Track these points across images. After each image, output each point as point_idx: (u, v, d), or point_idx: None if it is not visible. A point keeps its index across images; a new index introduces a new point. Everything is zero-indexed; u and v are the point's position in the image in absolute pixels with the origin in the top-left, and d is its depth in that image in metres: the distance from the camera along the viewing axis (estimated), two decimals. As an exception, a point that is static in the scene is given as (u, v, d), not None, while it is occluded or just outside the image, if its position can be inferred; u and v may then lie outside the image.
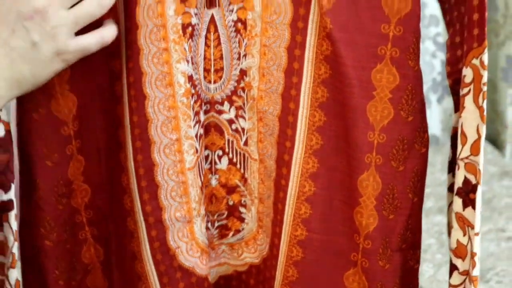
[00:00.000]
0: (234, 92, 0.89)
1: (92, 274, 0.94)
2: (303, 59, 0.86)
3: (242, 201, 0.94)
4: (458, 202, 0.87)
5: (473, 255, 0.85)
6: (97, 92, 0.87)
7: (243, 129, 0.90)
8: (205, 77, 0.88)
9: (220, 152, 0.92)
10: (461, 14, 0.85)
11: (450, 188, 0.92)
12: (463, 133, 0.85)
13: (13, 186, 0.85)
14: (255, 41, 0.87)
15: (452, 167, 0.91)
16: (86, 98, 0.87)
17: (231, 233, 0.95)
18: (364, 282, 0.90)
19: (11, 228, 0.85)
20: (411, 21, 0.84)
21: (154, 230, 0.91)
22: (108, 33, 0.83)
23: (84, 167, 0.89)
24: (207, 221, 0.94)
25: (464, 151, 0.86)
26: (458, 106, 0.88)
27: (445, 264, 1.55)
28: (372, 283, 0.90)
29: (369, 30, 0.84)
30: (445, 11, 0.90)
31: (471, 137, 0.85)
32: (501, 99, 2.08)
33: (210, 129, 0.91)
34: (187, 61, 0.86)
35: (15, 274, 0.86)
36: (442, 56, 2.26)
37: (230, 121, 0.90)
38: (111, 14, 0.84)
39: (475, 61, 0.83)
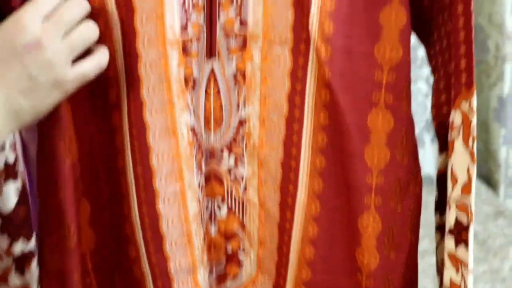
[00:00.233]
0: (233, 140, 0.91)
1: None
2: (303, 107, 0.89)
3: (241, 247, 0.95)
4: (450, 241, 0.89)
5: (467, 293, 0.87)
6: (97, 142, 0.89)
7: (242, 177, 0.92)
8: (205, 127, 0.90)
9: (220, 201, 0.93)
10: (445, 60, 0.89)
11: (438, 228, 0.95)
12: (453, 175, 0.88)
13: (33, 236, 0.86)
14: (254, 91, 0.89)
15: (439, 206, 0.94)
16: (86, 147, 0.89)
17: (229, 278, 0.96)
18: None
19: (33, 275, 0.87)
20: (403, 68, 0.89)
21: (160, 281, 0.92)
22: (103, 56, 0.82)
23: (90, 212, 0.91)
24: (208, 269, 0.95)
25: (455, 192, 0.88)
26: (443, 148, 0.92)
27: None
28: None
29: (363, 77, 0.88)
30: (430, 57, 0.94)
31: (462, 178, 0.88)
32: (493, 139, 2.11)
33: (210, 178, 0.92)
34: (189, 112, 0.88)
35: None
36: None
37: (229, 170, 0.92)
38: (111, 69, 0.85)
39: (464, 106, 0.87)
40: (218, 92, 0.89)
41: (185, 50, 0.86)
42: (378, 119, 0.89)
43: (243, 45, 0.87)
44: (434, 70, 0.93)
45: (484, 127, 2.13)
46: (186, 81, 0.87)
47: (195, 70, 0.88)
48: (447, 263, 0.89)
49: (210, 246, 0.95)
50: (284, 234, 0.92)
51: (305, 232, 0.92)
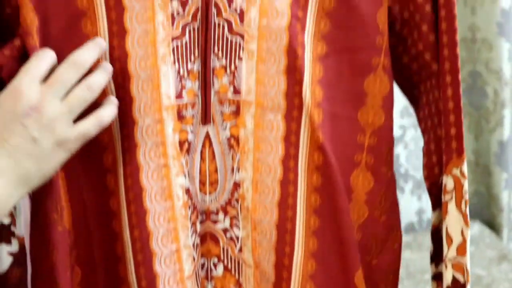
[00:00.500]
0: (228, 203, 0.93)
1: None
2: (297, 170, 0.91)
3: None
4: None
5: None
6: (91, 207, 0.90)
7: (237, 237, 0.94)
8: (200, 189, 0.92)
9: (216, 260, 0.95)
10: (434, 124, 0.92)
11: (434, 277, 0.97)
12: (448, 236, 0.90)
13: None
14: (247, 156, 0.91)
15: (434, 258, 0.96)
16: (80, 212, 0.90)
17: None
18: None
19: None
20: (385, 133, 0.92)
21: None
22: (105, 113, 0.84)
23: (81, 277, 0.92)
24: None
25: (450, 252, 0.90)
26: (436, 206, 0.94)
27: None
28: None
29: (347, 139, 0.91)
30: (420, 120, 0.97)
31: (456, 239, 0.90)
32: (495, 183, 2.11)
33: (206, 238, 0.94)
34: (184, 175, 0.90)
35: None
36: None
37: (225, 230, 0.94)
38: (107, 134, 0.87)
39: (455, 171, 0.89)
40: (213, 156, 0.91)
41: (180, 116, 0.88)
42: (359, 179, 0.93)
43: (237, 112, 0.90)
44: (424, 132, 0.96)
45: (486, 171, 2.14)
46: (181, 145, 0.89)
47: (190, 134, 0.90)
48: None
49: None
50: None
51: None
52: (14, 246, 0.89)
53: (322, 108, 0.89)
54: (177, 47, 0.87)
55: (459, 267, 0.90)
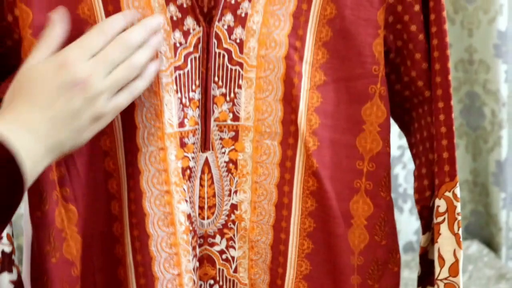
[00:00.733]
0: (225, 225, 0.95)
1: None
2: (291, 194, 0.94)
3: None
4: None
5: None
6: (97, 233, 0.93)
7: (233, 258, 0.96)
8: (199, 214, 0.94)
9: (212, 282, 0.97)
10: (426, 149, 0.95)
11: None
12: (440, 257, 0.92)
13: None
14: (246, 179, 0.94)
15: (421, 280, 0.98)
16: (88, 239, 0.92)
17: None
18: None
19: None
20: (382, 158, 0.94)
21: None
22: (137, 86, 0.85)
23: None
24: None
25: (442, 273, 0.92)
26: (426, 229, 0.96)
27: None
28: None
29: (346, 166, 0.94)
30: (411, 145, 0.99)
31: (449, 260, 0.92)
32: (493, 202, 2.12)
33: (203, 261, 0.96)
34: (186, 201, 0.92)
35: None
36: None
37: (221, 252, 0.96)
38: (112, 161, 0.89)
39: (448, 194, 0.91)
40: (212, 181, 0.94)
41: (182, 143, 0.91)
42: (358, 204, 0.95)
43: (236, 137, 0.92)
44: (416, 157, 0.98)
45: (485, 191, 2.15)
46: (183, 172, 0.92)
47: (191, 161, 0.92)
48: None
49: None
50: None
51: None
52: (15, 275, 0.91)
53: (319, 135, 0.92)
54: (179, 76, 0.89)
55: (452, 287, 0.93)
